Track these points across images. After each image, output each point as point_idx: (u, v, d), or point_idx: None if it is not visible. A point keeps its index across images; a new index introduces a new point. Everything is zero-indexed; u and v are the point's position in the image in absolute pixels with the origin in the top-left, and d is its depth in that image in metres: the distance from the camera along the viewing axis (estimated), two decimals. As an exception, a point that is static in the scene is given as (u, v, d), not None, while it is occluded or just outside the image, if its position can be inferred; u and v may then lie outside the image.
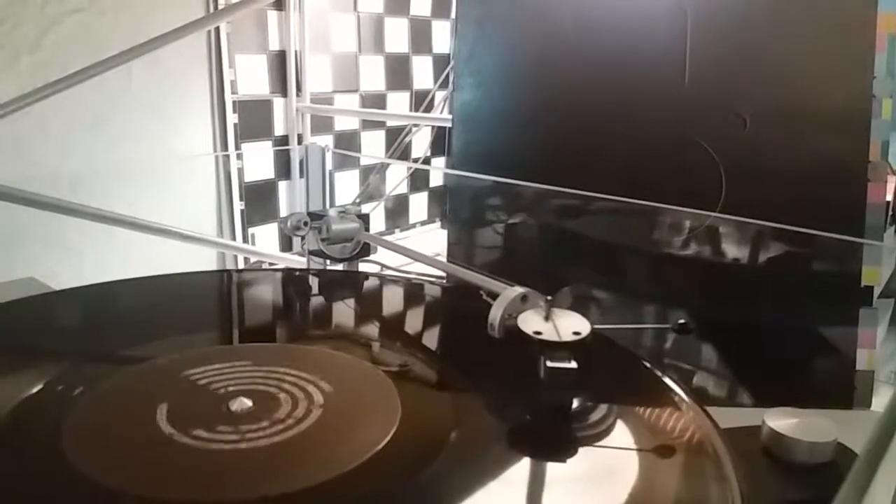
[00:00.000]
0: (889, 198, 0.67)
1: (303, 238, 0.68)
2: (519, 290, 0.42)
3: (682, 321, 0.43)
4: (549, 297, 0.40)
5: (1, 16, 0.94)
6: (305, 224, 0.67)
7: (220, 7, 1.15)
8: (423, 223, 1.64)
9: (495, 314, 0.41)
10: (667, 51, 0.73)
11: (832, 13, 0.67)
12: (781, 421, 0.42)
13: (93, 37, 1.02)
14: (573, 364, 0.37)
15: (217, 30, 1.17)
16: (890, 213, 0.69)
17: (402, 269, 0.69)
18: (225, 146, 1.22)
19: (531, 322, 0.39)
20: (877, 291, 0.67)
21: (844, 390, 0.67)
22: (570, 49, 0.80)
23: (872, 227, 0.66)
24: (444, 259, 0.91)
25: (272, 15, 1.26)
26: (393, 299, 0.64)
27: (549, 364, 0.37)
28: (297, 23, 1.29)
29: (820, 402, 0.68)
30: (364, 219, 0.69)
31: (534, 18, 0.83)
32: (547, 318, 0.40)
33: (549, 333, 0.38)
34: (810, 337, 0.69)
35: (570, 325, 0.39)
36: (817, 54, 0.68)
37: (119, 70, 0.96)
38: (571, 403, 0.39)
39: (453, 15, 1.50)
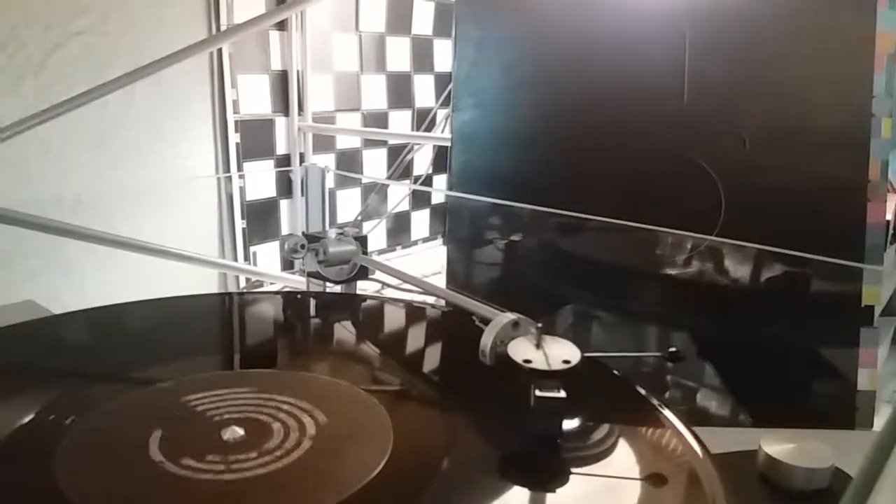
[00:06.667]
0: (889, 216, 0.67)
1: (301, 260, 0.68)
2: (510, 316, 0.42)
3: (672, 349, 0.42)
4: (539, 325, 0.40)
5: (5, 39, 0.95)
6: (302, 247, 0.67)
7: (222, 28, 1.16)
8: (424, 240, 1.63)
9: (486, 341, 0.41)
10: (665, 71, 0.73)
11: (831, 33, 0.67)
12: (778, 446, 0.41)
13: (96, 59, 1.03)
14: (562, 393, 0.36)
15: (219, 50, 1.18)
16: (890, 231, 0.69)
17: (401, 287, 0.69)
18: (227, 165, 1.23)
19: (521, 350, 0.39)
20: (878, 311, 0.66)
21: (846, 410, 0.67)
22: (569, 70, 0.80)
23: (873, 246, 0.65)
24: (444, 277, 0.91)
25: (274, 35, 1.27)
26: (388, 325, 0.64)
27: (537, 393, 0.36)
28: (299, 43, 1.30)
29: (821, 422, 0.68)
30: (362, 241, 0.69)
31: (533, 40, 0.83)
32: (538, 345, 0.39)
33: (538, 362, 0.38)
34: (811, 357, 0.69)
35: (561, 352, 0.39)
36: (816, 74, 0.68)
37: (121, 91, 0.97)
38: (561, 431, 0.39)
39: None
